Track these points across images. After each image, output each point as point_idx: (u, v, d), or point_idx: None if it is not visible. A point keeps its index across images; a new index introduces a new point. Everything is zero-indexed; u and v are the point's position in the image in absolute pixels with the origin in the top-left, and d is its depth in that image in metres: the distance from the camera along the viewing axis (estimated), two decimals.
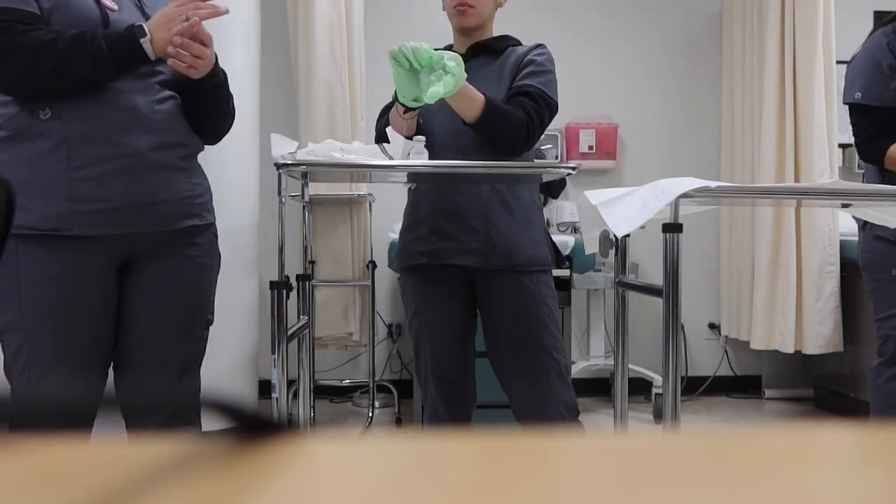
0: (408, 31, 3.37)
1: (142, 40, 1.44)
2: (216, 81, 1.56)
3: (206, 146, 1.69)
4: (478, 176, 1.87)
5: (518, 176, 1.92)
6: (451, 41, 2.01)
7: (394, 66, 1.67)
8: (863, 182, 2.31)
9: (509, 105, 1.82)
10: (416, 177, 1.94)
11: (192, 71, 1.47)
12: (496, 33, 2.00)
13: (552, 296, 1.92)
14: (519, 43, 1.99)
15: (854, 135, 2.23)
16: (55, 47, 1.39)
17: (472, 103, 1.76)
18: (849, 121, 2.26)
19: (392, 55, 1.65)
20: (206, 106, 1.59)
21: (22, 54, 1.38)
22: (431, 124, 1.90)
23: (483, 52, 1.93)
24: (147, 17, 1.54)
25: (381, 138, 1.89)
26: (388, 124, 1.89)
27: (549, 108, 1.86)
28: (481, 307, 1.95)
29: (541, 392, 1.88)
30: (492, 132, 1.80)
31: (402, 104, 1.77)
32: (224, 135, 1.72)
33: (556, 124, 3.63)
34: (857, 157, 2.38)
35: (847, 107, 2.24)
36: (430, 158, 1.85)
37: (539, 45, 1.95)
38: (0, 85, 1.45)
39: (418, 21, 3.76)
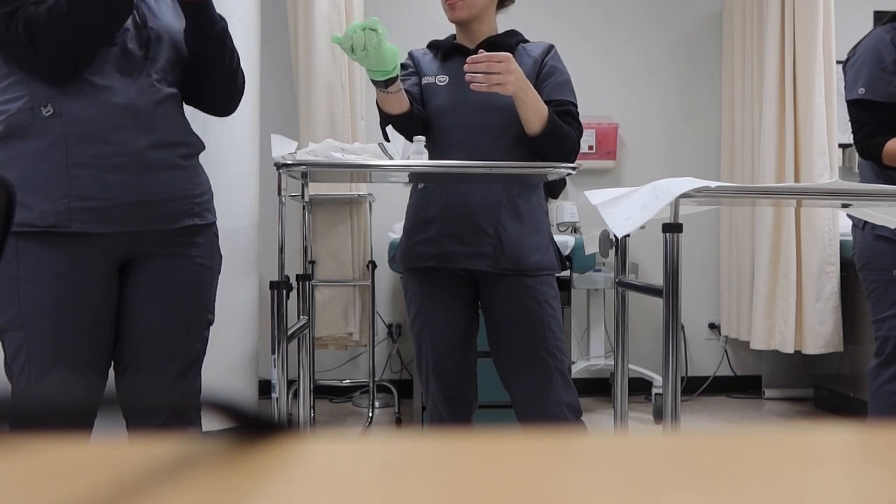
0: (408, 31, 3.37)
1: None
2: (215, 29, 1.56)
3: (206, 145, 1.69)
4: (479, 176, 1.87)
5: (522, 177, 1.92)
6: (451, 34, 2.01)
7: (349, 54, 1.69)
8: (859, 180, 2.31)
9: None
10: (417, 177, 1.94)
11: None
12: (500, 30, 1.99)
13: (555, 296, 1.92)
14: (525, 39, 1.99)
15: (853, 132, 2.23)
16: (58, 11, 1.37)
17: (537, 114, 1.78)
18: (849, 120, 2.26)
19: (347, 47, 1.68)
20: (208, 65, 1.58)
21: (45, 31, 1.37)
22: (443, 124, 1.90)
23: (494, 48, 1.92)
24: (143, 12, 1.54)
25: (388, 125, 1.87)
26: (384, 114, 1.87)
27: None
28: (485, 307, 1.95)
29: (543, 392, 1.88)
30: (551, 148, 1.82)
31: (378, 82, 1.77)
32: (234, 103, 1.71)
33: None
34: (856, 157, 2.38)
35: (847, 105, 2.24)
36: (442, 158, 1.85)
37: (551, 48, 1.96)
38: (43, 67, 1.42)
39: (418, 21, 3.76)
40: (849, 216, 2.30)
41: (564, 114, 1.86)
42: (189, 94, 1.63)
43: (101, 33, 1.43)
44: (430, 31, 2.31)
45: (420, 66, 1.98)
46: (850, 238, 2.36)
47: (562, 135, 1.82)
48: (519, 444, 0.31)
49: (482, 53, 1.71)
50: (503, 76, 1.69)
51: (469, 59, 1.71)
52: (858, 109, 2.19)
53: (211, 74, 1.61)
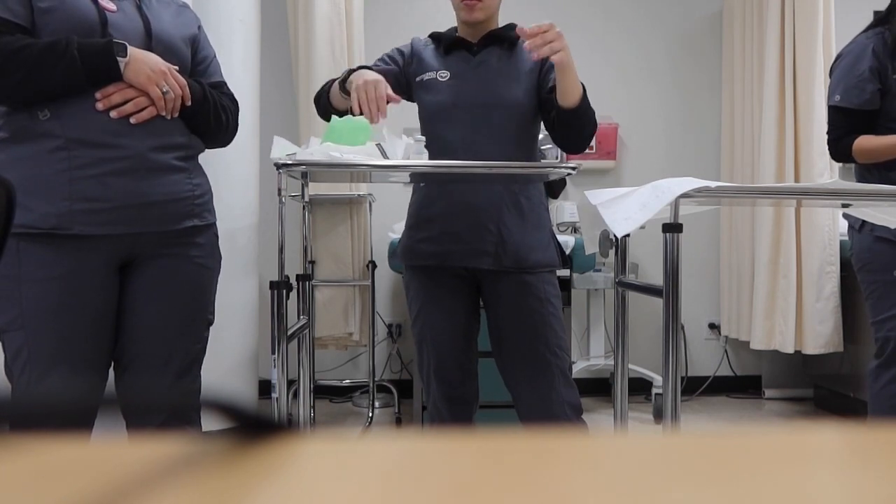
0: (408, 31, 3.37)
1: (119, 58, 1.43)
2: (193, 108, 1.57)
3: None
4: (478, 176, 1.87)
5: (523, 176, 1.92)
6: (451, 27, 2.01)
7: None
8: (856, 180, 2.31)
9: None
10: (417, 177, 1.94)
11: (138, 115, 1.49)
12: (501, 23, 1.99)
13: (556, 294, 1.92)
14: None
15: (827, 135, 2.28)
16: (26, 55, 1.38)
17: (577, 86, 1.78)
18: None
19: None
20: (192, 122, 1.60)
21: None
22: (443, 120, 1.89)
23: (495, 42, 1.92)
24: (145, 19, 1.53)
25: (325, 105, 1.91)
26: (327, 95, 1.89)
27: None
28: (487, 306, 1.95)
29: (545, 391, 1.88)
30: (579, 125, 1.82)
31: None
32: (227, 142, 1.73)
33: None
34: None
35: (827, 110, 2.31)
36: (442, 155, 1.85)
37: None
38: None
39: (418, 21, 3.76)
40: (844, 217, 2.30)
41: None
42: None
43: (46, 92, 1.43)
44: (430, 30, 2.30)
45: (421, 59, 1.97)
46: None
47: (591, 115, 1.83)
48: (520, 444, 0.31)
49: (533, 27, 1.70)
50: (559, 42, 1.71)
51: (518, 30, 1.72)
52: (835, 115, 2.26)
53: (198, 128, 1.62)
